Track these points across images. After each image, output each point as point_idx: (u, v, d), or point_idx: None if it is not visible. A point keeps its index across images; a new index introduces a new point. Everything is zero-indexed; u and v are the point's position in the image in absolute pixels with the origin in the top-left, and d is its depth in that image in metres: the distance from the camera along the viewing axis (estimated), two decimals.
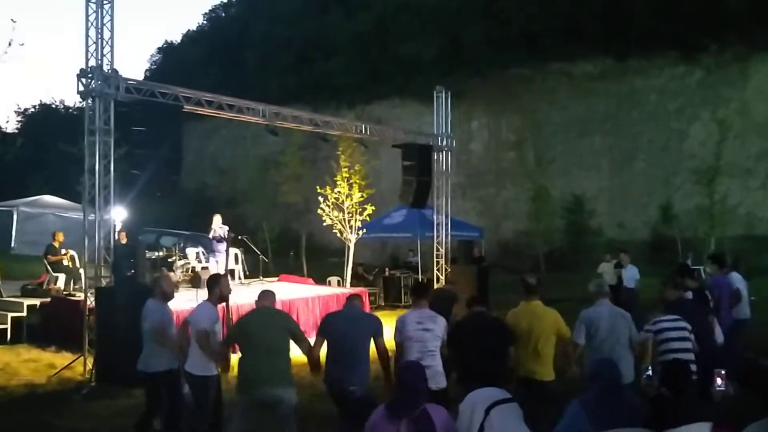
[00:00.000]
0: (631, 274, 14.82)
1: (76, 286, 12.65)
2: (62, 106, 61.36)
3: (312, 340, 6.11)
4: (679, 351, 6.03)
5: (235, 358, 6.22)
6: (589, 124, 35.14)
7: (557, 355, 6.31)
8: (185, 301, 10.18)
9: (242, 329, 6.01)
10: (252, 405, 5.68)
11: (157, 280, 6.84)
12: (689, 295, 7.94)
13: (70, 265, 13.36)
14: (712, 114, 28.55)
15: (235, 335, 6.19)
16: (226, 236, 13.34)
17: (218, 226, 14.37)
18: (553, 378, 6.22)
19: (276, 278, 17.26)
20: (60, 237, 13.54)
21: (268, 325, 5.84)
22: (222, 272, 12.70)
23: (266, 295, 6.17)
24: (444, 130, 15.51)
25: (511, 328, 6.27)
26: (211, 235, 14.55)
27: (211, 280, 6.53)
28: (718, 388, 4.86)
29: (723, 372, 4.96)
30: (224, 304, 7.75)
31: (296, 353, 5.95)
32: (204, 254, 16.88)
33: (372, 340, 6.01)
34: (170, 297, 6.54)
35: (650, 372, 4.40)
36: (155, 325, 6.15)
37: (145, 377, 6.22)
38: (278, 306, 11.25)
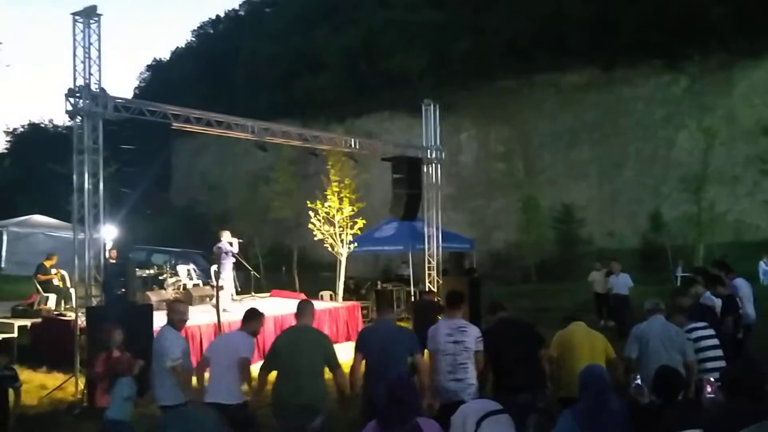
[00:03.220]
0: (623, 282, 14.95)
1: (67, 306, 12.56)
2: (51, 126, 61.27)
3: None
4: (716, 359, 6.20)
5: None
6: (577, 134, 35.38)
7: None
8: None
9: (276, 349, 5.67)
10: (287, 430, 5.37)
11: (171, 306, 6.46)
12: (719, 302, 7.82)
13: (61, 285, 13.29)
14: (698, 122, 28.70)
15: (271, 358, 5.71)
16: (231, 251, 13.51)
17: (227, 241, 13.91)
18: None
19: (268, 293, 17.23)
20: (54, 259, 13.50)
21: (304, 345, 5.52)
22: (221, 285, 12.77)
23: (304, 311, 5.84)
24: (433, 143, 15.56)
25: (561, 348, 6.28)
26: (223, 250, 13.85)
27: (249, 314, 6.16)
28: (708, 395, 4.89)
29: (712, 379, 5.00)
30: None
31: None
32: (195, 271, 16.82)
33: (410, 355, 5.91)
34: (184, 323, 6.31)
35: (639, 381, 4.42)
36: (175, 358, 5.79)
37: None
38: (272, 322, 11.32)
